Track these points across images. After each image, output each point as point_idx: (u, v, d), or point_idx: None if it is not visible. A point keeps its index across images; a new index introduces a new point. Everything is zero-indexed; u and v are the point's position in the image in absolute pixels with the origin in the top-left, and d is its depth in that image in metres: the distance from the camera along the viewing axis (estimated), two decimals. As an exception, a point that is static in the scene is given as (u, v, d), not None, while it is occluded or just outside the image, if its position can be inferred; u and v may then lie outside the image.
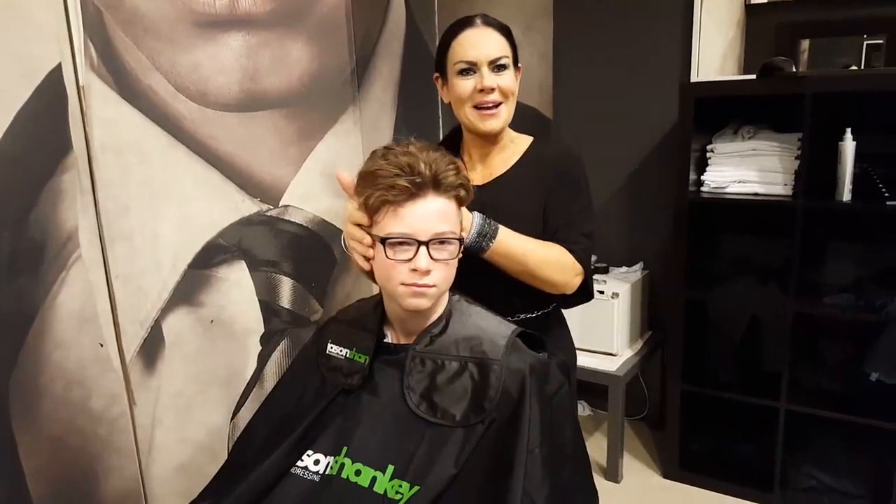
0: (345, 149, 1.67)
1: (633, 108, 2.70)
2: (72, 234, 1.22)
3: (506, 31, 1.27)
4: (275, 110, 1.51)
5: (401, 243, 0.94)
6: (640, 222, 2.81)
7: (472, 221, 1.13)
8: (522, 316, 1.31)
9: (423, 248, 0.93)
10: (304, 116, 1.57)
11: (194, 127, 1.37)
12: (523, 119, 1.39)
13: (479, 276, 1.18)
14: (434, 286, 0.95)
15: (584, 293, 1.31)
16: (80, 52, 1.19)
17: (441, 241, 0.94)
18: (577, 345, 1.48)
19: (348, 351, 1.04)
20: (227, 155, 1.44)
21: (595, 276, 2.64)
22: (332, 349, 1.05)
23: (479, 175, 1.33)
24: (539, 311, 1.33)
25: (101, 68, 1.23)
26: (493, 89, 1.22)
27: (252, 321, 1.54)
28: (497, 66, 1.23)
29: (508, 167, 1.32)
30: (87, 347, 1.26)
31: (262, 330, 1.57)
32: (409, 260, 0.93)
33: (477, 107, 1.24)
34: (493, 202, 1.24)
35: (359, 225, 1.01)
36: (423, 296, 0.95)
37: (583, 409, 3.10)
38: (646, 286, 2.75)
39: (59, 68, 1.16)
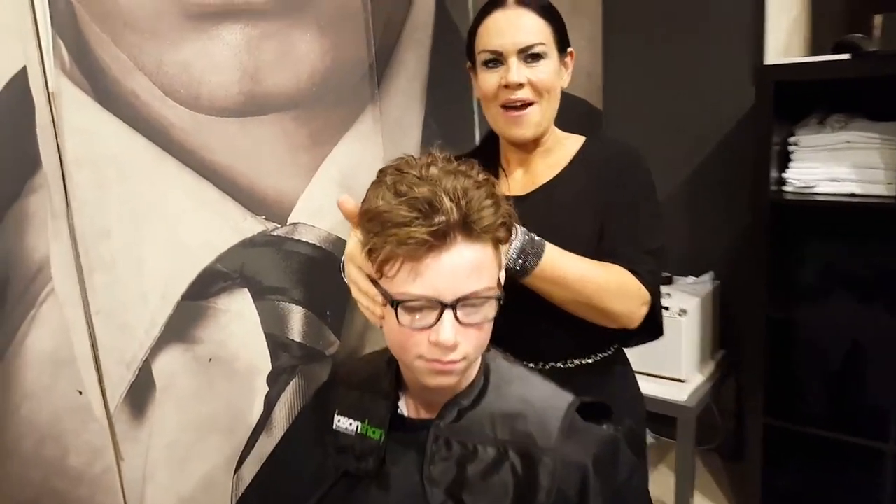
0: (364, 153, 1.54)
1: (696, 96, 2.53)
2: (42, 264, 1.12)
3: (546, 12, 1.09)
4: (281, 113, 1.39)
5: (419, 307, 0.75)
6: (709, 225, 2.62)
7: (514, 233, 0.96)
8: (577, 362, 1.13)
9: (447, 314, 0.74)
10: (316, 119, 1.45)
11: (185, 136, 1.26)
12: (569, 113, 1.22)
13: (520, 311, 1.01)
14: (463, 359, 0.77)
15: (651, 327, 1.13)
16: (49, 53, 1.09)
17: (472, 301, 0.75)
18: (638, 368, 1.29)
19: (359, 424, 0.87)
20: (226, 167, 1.32)
21: (657, 290, 2.45)
22: (340, 423, 0.89)
23: (520, 184, 1.17)
24: (598, 355, 1.15)
25: (74, 70, 1.13)
26: (520, 85, 1.05)
27: (257, 358, 1.43)
28: (530, 56, 1.05)
29: (555, 173, 1.15)
30: (62, 396, 1.16)
31: (270, 368, 1.45)
32: (430, 328, 0.75)
33: (504, 106, 1.07)
34: (536, 217, 1.07)
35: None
36: (449, 374, 0.78)
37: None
38: (717, 299, 2.54)
39: (23, 72, 1.07)
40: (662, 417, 2.36)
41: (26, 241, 1.10)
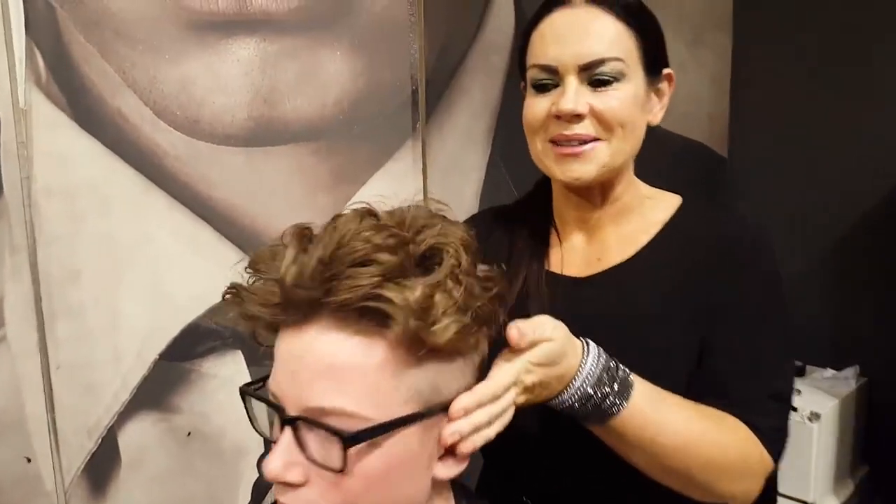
0: (398, 195, 1.36)
1: (847, 147, 2.21)
2: None
3: (632, 14, 0.80)
4: (298, 145, 1.26)
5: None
6: (857, 308, 2.26)
7: (583, 358, 0.65)
8: None
9: (287, 433, 0.52)
10: (341, 153, 1.31)
11: (179, 165, 1.17)
12: (685, 160, 0.95)
13: (561, 452, 0.75)
14: None
15: (763, 496, 0.81)
16: (21, 63, 1.03)
17: (322, 424, 0.51)
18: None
19: None
20: (226, 204, 1.22)
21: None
22: None
23: (580, 259, 0.86)
24: None
25: (51, 85, 1.06)
26: (577, 116, 0.77)
27: (248, 436, 1.28)
28: (596, 76, 0.78)
29: (635, 250, 0.83)
30: (6, 464, 1.09)
31: (262, 449, 1.30)
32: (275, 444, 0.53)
33: (555, 142, 0.80)
34: (598, 316, 0.79)
35: None
36: None
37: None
38: (862, 402, 2.17)
39: (-11, 84, 1.02)
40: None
41: (-26, 278, 1.04)
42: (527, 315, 0.82)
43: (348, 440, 0.49)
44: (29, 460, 1.09)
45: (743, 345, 0.77)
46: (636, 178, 0.86)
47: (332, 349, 0.51)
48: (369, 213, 0.57)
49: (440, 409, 0.53)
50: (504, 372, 0.57)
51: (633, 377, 0.67)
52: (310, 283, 0.50)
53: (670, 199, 0.86)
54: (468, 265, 0.54)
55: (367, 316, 0.50)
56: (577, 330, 0.72)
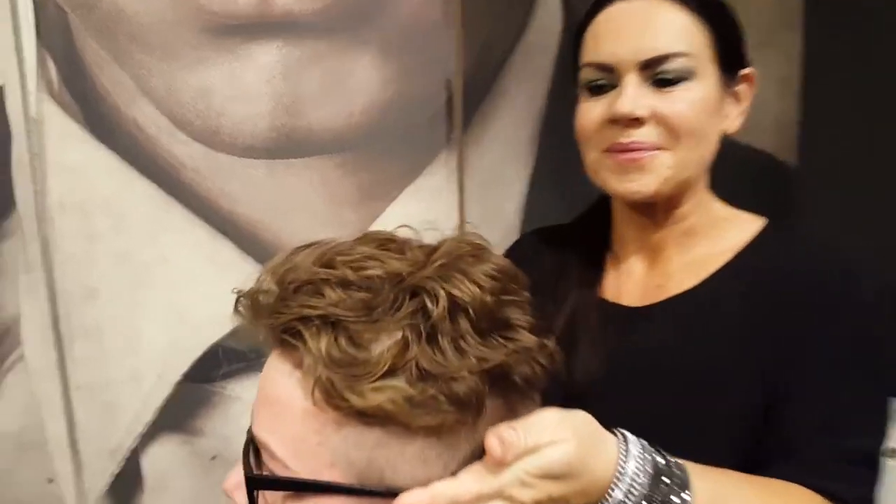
0: (431, 214, 1.27)
1: None
2: (9, 326, 1.04)
3: (701, 2, 0.69)
4: (323, 157, 1.18)
5: None
6: None
7: (621, 462, 0.46)
8: None
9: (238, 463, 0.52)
10: (370, 166, 1.22)
11: (199, 178, 1.11)
12: (746, 169, 0.83)
13: None
14: None
15: None
16: (32, 70, 1.00)
17: (247, 454, 0.47)
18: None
19: None
20: (247, 219, 1.15)
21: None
22: None
23: (638, 286, 0.74)
24: None
25: (64, 93, 1.02)
26: (636, 120, 0.66)
27: None
28: (660, 78, 0.66)
29: (701, 278, 0.70)
30: (28, 485, 1.08)
31: None
32: None
33: (611, 151, 0.69)
34: (656, 351, 0.68)
35: None
36: None
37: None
38: None
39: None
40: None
41: (-10, 297, 1.02)
42: (574, 348, 0.71)
43: (251, 481, 0.45)
44: (51, 481, 1.07)
45: (821, 397, 0.63)
46: (710, 196, 0.73)
47: (274, 378, 0.45)
48: (387, 239, 0.48)
49: (382, 495, 0.42)
50: (476, 476, 0.43)
51: (688, 468, 0.51)
52: (271, 300, 0.44)
53: (750, 222, 0.72)
54: (453, 321, 0.41)
55: (293, 352, 0.43)
56: (630, 367, 0.63)
